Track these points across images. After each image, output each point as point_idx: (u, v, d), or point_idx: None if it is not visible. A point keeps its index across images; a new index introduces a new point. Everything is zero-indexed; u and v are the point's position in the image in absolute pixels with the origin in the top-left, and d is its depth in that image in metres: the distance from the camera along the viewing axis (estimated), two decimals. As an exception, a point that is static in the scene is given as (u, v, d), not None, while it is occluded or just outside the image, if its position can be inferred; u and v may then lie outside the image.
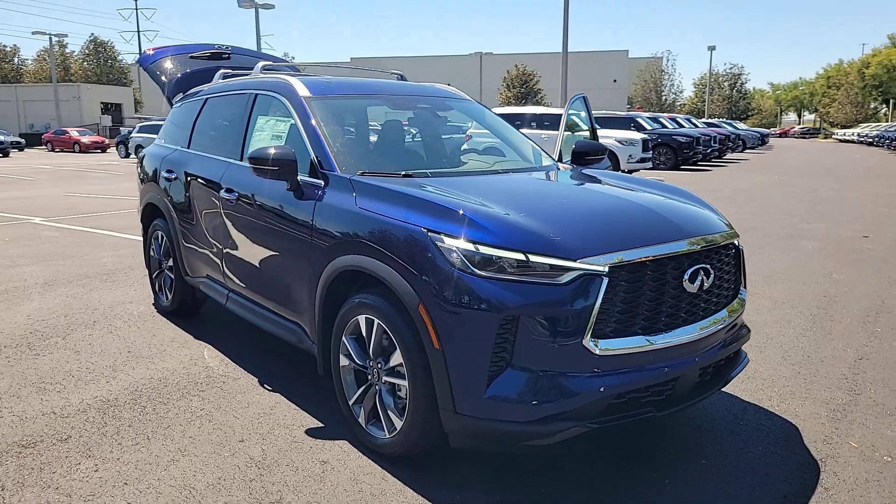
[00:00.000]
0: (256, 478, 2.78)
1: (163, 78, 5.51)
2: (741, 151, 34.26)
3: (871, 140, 46.66)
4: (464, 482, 2.73)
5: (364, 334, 2.93)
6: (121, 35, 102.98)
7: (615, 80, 62.60)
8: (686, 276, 2.65)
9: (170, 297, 4.98)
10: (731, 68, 64.35)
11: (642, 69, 53.82)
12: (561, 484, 2.75)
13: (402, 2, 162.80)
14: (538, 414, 2.44)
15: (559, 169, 3.96)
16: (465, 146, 4.45)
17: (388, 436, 2.86)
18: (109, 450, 3.01)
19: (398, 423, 2.79)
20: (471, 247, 2.49)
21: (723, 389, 3.19)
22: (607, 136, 16.94)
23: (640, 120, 22.93)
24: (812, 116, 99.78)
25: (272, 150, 3.26)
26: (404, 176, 3.24)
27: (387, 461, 2.87)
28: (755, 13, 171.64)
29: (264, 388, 3.71)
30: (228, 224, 3.95)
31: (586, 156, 4.21)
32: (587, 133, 6.25)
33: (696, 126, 29.03)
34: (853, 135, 54.99)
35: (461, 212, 2.61)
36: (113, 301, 5.47)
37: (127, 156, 31.26)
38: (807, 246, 7.93)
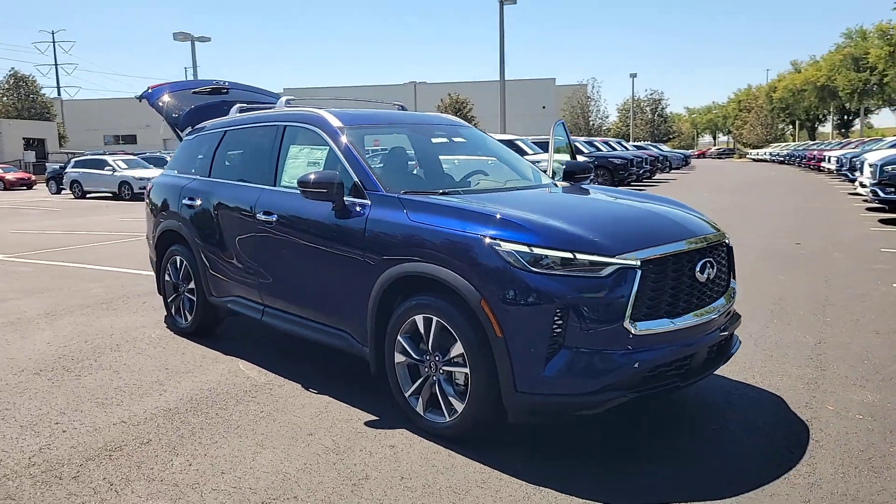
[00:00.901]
0: (338, 461, 3.14)
1: (174, 114, 5.81)
2: (668, 171, 36.16)
3: (782, 158, 49.98)
4: (525, 454, 3.18)
5: (422, 332, 3.36)
6: (37, 69, 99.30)
7: (544, 107, 64.82)
8: (697, 269, 3.22)
9: (189, 318, 5.23)
10: (651, 94, 68.18)
11: (570, 96, 56.14)
12: (600, 447, 3.24)
13: (335, 33, 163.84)
14: (589, 387, 2.93)
15: (564, 185, 4.52)
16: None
17: (448, 419, 3.28)
18: (193, 448, 3.31)
19: (459, 407, 3.22)
20: (525, 249, 2.99)
21: (716, 371, 3.76)
22: (555, 160, 17.77)
23: (577, 144, 24.09)
24: (726, 138, 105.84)
25: (320, 175, 3.69)
26: (442, 194, 3.72)
27: (448, 442, 3.28)
28: (671, 42, 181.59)
29: (310, 391, 4.05)
30: (266, 244, 4.30)
31: (575, 175, 4.79)
32: (568, 155, 6.87)
33: (627, 149, 30.61)
34: (765, 154, 58.74)
35: (513, 220, 3.11)
36: (125, 326, 5.65)
37: (59, 192, 30.20)
38: (749, 254, 8.76)
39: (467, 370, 3.16)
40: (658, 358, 3.03)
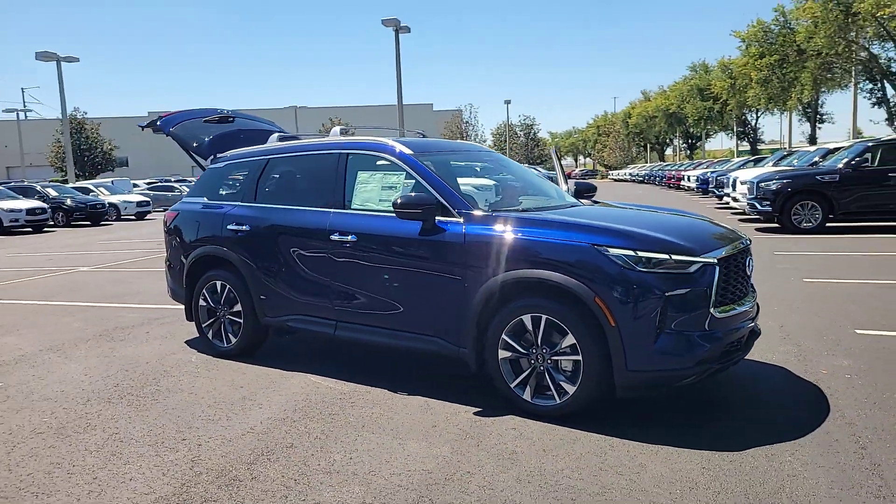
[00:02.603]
0: (479, 443, 3.62)
1: (194, 143, 5.96)
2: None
3: (641, 178, 54.75)
4: (629, 423, 3.83)
5: (529, 329, 3.92)
6: None
7: (420, 132, 66.52)
8: (746, 265, 4.06)
9: (233, 340, 5.41)
10: (524, 119, 72.17)
11: (448, 121, 58.14)
12: (674, 413, 3.97)
13: (209, 54, 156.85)
14: (687, 362, 3.65)
15: (587, 202, 5.25)
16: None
17: (559, 401, 3.86)
18: (339, 445, 3.65)
19: (570, 390, 3.82)
20: (631, 252, 3.67)
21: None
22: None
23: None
24: (587, 160, 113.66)
25: (415, 198, 4.19)
26: (522, 211, 4.32)
27: (558, 421, 3.86)
28: (538, 71, 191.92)
29: (400, 394, 4.46)
30: (342, 263, 4.67)
31: (583, 194, 5.56)
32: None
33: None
34: (626, 174, 63.99)
35: (616, 230, 3.80)
36: (154, 354, 5.68)
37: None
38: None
39: (579, 357, 3.77)
40: (731, 335, 3.82)
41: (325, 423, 4.00)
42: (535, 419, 3.93)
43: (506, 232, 4.04)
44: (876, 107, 27.04)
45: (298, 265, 4.93)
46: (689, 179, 33.27)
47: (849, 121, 31.14)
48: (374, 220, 4.58)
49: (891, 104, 25.74)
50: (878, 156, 13.37)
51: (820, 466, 3.23)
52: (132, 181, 36.17)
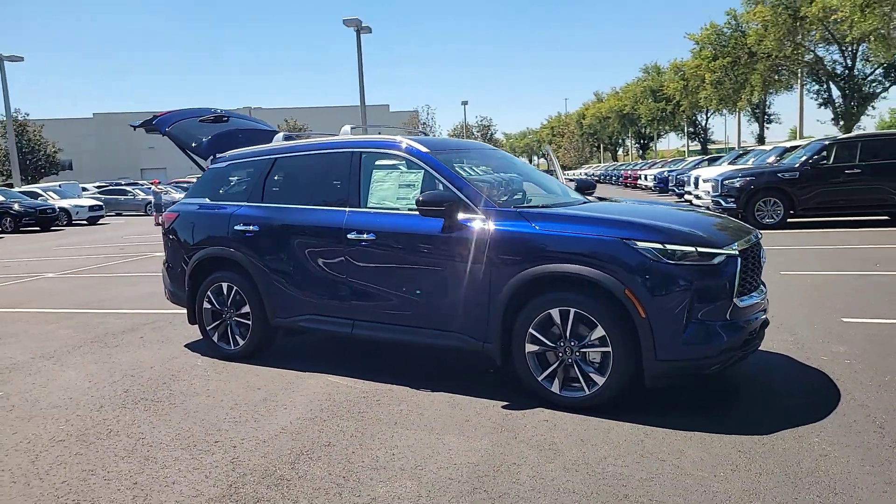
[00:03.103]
0: (515, 436, 3.68)
1: (192, 143, 5.86)
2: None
3: (597, 178, 55.73)
4: (660, 411, 3.94)
5: (557, 322, 4.00)
6: None
7: (380, 132, 66.31)
8: (760, 256, 4.22)
9: (241, 343, 5.33)
10: (481, 120, 72.69)
11: (406, 122, 58.09)
12: (695, 401, 4.11)
13: (160, 53, 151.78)
14: (714, 350, 3.78)
15: (592, 199, 5.36)
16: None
17: (588, 392, 3.95)
18: (378, 441, 3.65)
19: (600, 381, 3.91)
20: (660, 246, 3.78)
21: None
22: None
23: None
24: (542, 160, 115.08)
25: (438, 195, 4.23)
26: (543, 207, 4.40)
27: (587, 411, 3.94)
28: (494, 72, 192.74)
29: (423, 391, 4.48)
30: (360, 261, 4.66)
31: (585, 191, 5.67)
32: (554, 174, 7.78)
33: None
34: (581, 174, 65.07)
35: (643, 224, 3.90)
36: (157, 359, 5.56)
37: None
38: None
39: (608, 348, 3.87)
40: (752, 324, 3.97)
41: (357, 421, 3.99)
42: (564, 411, 4.00)
43: (532, 227, 4.11)
44: (822, 107, 28.25)
45: (312, 264, 4.90)
46: (645, 178, 34.01)
47: (795, 121, 32.34)
48: (394, 217, 4.60)
49: (836, 105, 26.90)
50: (834, 154, 13.98)
51: (846, 446, 3.40)
52: (80, 185, 34.98)
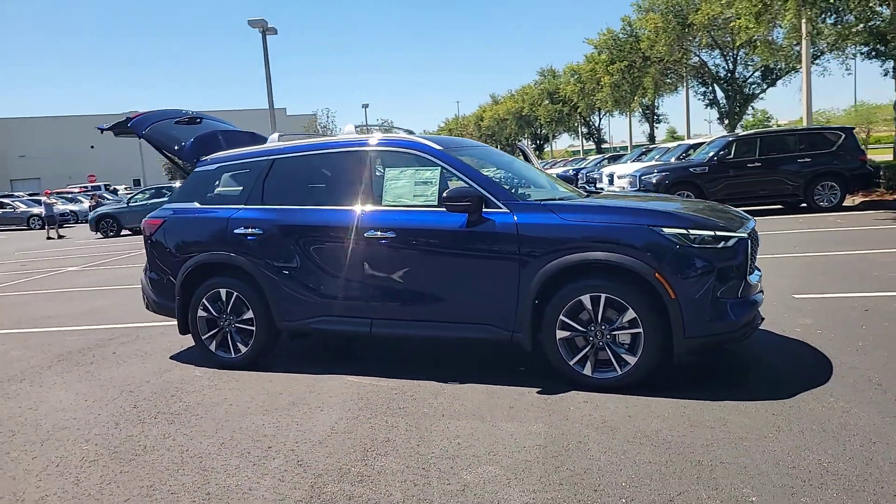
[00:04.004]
0: (566, 417, 3.84)
1: (175, 145, 5.61)
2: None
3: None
4: (681, 387, 4.22)
5: (588, 308, 4.21)
6: None
7: (280, 135, 64.68)
8: (757, 240, 4.63)
9: (243, 349, 5.17)
10: (382, 123, 72.38)
11: (306, 125, 57.01)
12: (706, 375, 4.45)
13: (52, 56, 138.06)
14: (734, 326, 4.12)
15: (607, 192, 5.62)
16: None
17: (621, 372, 4.18)
18: (438, 433, 3.71)
19: (632, 360, 4.15)
20: (684, 231, 4.08)
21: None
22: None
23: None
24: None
25: (463, 190, 4.34)
26: (559, 200, 4.60)
27: (620, 391, 4.17)
28: (396, 74, 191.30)
29: (454, 384, 4.54)
30: (379, 259, 4.67)
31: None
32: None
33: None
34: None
35: (666, 212, 4.19)
36: (148, 373, 5.29)
37: None
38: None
39: (639, 329, 4.11)
40: (759, 301, 4.35)
41: (403, 416, 4.02)
42: (596, 391, 4.21)
43: (560, 219, 4.29)
44: (708, 108, 30.53)
45: (324, 265, 4.85)
46: (550, 177, 35.29)
47: (682, 120, 34.77)
48: (413, 214, 4.64)
49: (721, 105, 29.15)
50: (736, 149, 15.21)
51: (860, 402, 3.81)
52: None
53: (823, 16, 16.88)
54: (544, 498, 2.97)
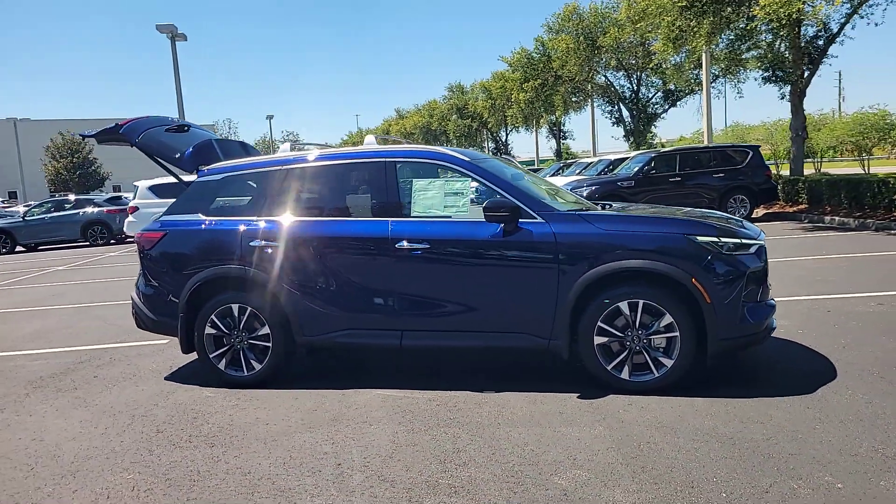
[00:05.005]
0: (621, 420, 3.97)
1: (175, 154, 5.32)
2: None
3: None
4: (707, 387, 4.46)
5: (626, 314, 4.38)
6: None
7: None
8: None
9: (257, 367, 4.96)
10: (287, 135, 71.05)
11: (208, 137, 55.09)
12: (720, 377, 4.74)
13: None
14: (760, 327, 4.42)
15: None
16: None
17: (657, 374, 4.38)
18: (506, 441, 3.73)
19: (668, 363, 4.35)
20: (716, 240, 4.34)
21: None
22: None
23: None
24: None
25: (502, 201, 4.43)
26: (589, 211, 4.76)
27: (658, 392, 4.35)
28: (299, 88, 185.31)
29: (487, 392, 4.58)
30: (411, 270, 4.63)
31: None
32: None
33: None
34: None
35: (697, 221, 4.44)
36: (151, 396, 4.96)
37: None
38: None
39: (675, 334, 4.33)
40: (775, 305, 4.68)
41: (460, 427, 4.00)
42: (635, 394, 4.38)
43: (596, 228, 4.44)
44: (615, 125, 32.20)
45: (350, 277, 4.75)
46: (464, 191, 35.85)
47: (588, 136, 36.49)
48: (447, 225, 4.65)
49: (626, 123, 30.82)
50: (658, 165, 16.17)
51: (877, 394, 4.17)
52: None
53: (720, 45, 18.31)
54: (647, 497, 3.07)
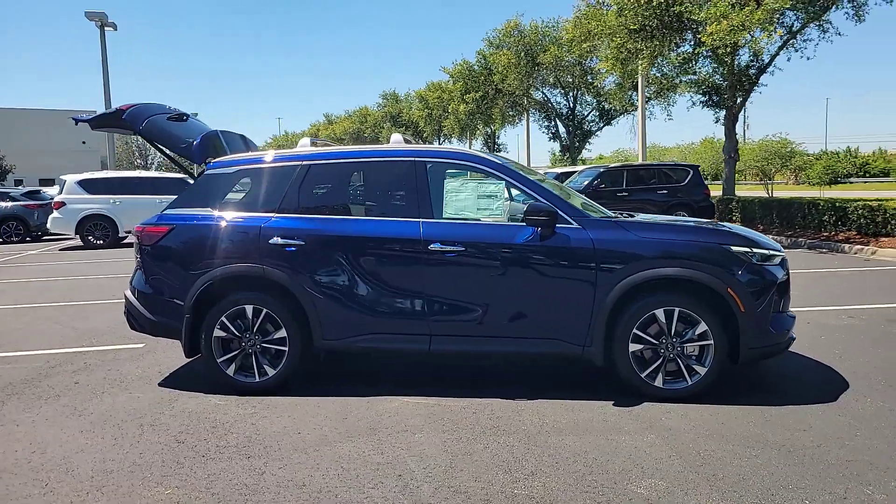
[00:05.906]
0: (668, 426, 3.97)
1: (181, 144, 4.96)
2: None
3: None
4: (730, 395, 4.53)
5: (662, 321, 4.39)
6: None
7: (84, 143, 58.73)
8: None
9: (271, 372, 4.66)
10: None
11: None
12: (740, 385, 4.85)
13: None
14: (786, 336, 4.54)
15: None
16: None
17: (690, 382, 4.41)
18: (560, 449, 3.65)
19: (702, 371, 4.40)
20: (749, 250, 4.43)
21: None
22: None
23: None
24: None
25: (541, 205, 4.38)
26: (624, 218, 4.76)
27: (691, 399, 4.38)
28: (227, 88, 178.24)
29: (522, 400, 4.47)
30: (443, 273, 4.48)
31: None
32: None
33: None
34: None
35: (733, 232, 4.52)
36: (150, 403, 4.57)
37: None
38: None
39: (709, 342, 4.38)
40: (794, 315, 4.83)
41: (510, 436, 3.88)
42: (668, 402, 4.39)
43: (633, 235, 4.45)
44: (551, 140, 33.00)
45: (378, 279, 4.55)
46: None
47: (522, 150, 37.29)
48: (482, 228, 4.54)
49: (563, 139, 31.63)
50: (606, 179, 16.62)
51: (891, 399, 4.37)
52: None
53: (656, 70, 19.01)
54: (732, 504, 3.05)
